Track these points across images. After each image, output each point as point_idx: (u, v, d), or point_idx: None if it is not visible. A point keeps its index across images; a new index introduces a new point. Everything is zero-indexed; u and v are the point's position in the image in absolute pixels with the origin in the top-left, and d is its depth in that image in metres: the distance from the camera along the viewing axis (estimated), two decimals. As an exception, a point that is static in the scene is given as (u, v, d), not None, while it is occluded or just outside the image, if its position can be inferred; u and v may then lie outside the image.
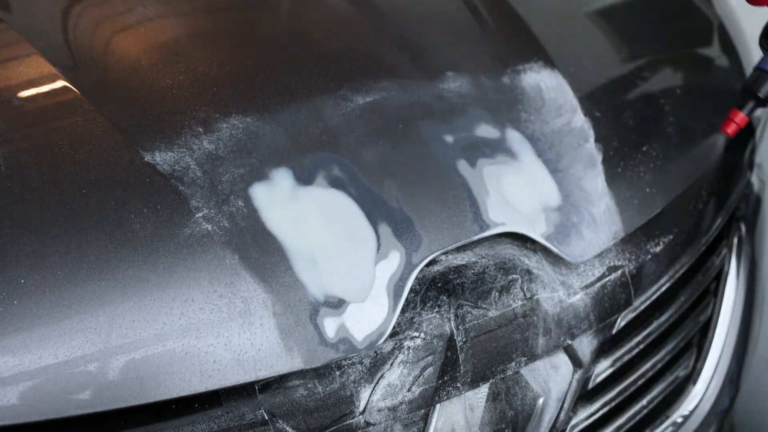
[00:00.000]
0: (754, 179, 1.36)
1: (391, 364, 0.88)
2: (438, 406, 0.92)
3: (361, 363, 0.87)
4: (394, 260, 0.87)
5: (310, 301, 0.83)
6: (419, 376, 0.89)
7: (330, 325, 0.84)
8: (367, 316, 0.85)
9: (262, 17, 1.15)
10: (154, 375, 0.79)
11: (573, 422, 1.04)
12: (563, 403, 1.01)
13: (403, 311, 0.88)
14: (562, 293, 0.97)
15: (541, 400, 0.99)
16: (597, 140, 1.01)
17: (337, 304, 0.84)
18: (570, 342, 0.98)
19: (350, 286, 0.85)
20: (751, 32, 1.43)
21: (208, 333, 0.81)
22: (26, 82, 0.99)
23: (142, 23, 1.09)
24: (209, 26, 1.11)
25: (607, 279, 1.00)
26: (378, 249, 0.87)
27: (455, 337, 0.90)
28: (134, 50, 1.03)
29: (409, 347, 0.88)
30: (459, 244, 0.91)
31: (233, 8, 1.15)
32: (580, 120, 1.02)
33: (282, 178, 0.88)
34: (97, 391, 0.78)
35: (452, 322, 0.90)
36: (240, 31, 1.10)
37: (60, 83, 0.96)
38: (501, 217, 0.93)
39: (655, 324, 1.11)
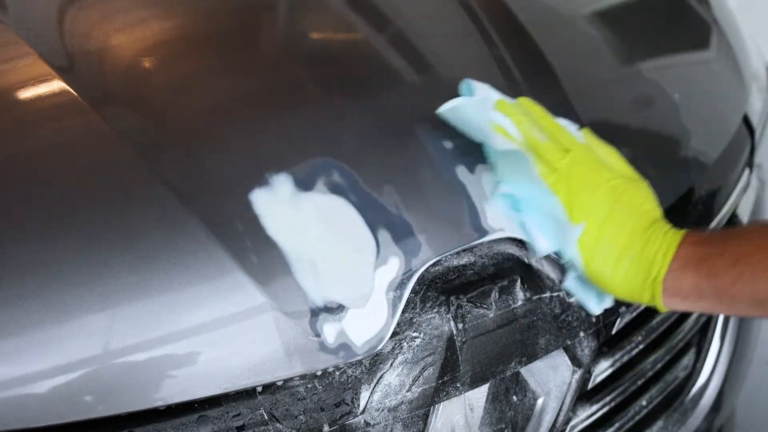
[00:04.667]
0: (754, 179, 1.35)
1: (391, 365, 0.88)
2: (438, 406, 0.92)
3: (360, 363, 0.87)
4: (393, 266, 0.87)
5: (310, 306, 0.83)
6: (419, 376, 0.89)
7: (329, 331, 0.84)
8: (367, 322, 0.85)
9: (262, 20, 1.15)
10: (154, 380, 0.79)
11: (573, 422, 1.04)
12: (563, 403, 1.00)
13: (403, 311, 0.88)
14: (562, 293, 0.97)
15: (541, 400, 0.99)
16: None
17: (336, 310, 0.84)
18: (570, 342, 0.98)
19: (350, 292, 0.85)
20: (749, 35, 1.43)
21: (208, 338, 0.81)
22: (23, 82, 0.98)
23: (140, 24, 1.09)
24: (209, 29, 1.10)
25: (607, 279, 1.00)
26: (377, 255, 0.87)
27: (455, 337, 0.90)
28: (132, 52, 1.03)
29: (409, 347, 0.88)
30: (458, 249, 0.91)
31: (232, 10, 1.15)
32: (578, 123, 1.02)
33: (282, 184, 0.88)
34: (97, 396, 0.78)
35: (452, 322, 0.90)
36: (240, 34, 1.10)
37: (57, 84, 0.96)
38: (499, 222, 0.93)
39: (655, 324, 1.10)
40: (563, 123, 0.95)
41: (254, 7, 1.17)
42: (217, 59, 1.03)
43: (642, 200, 0.91)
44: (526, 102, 0.95)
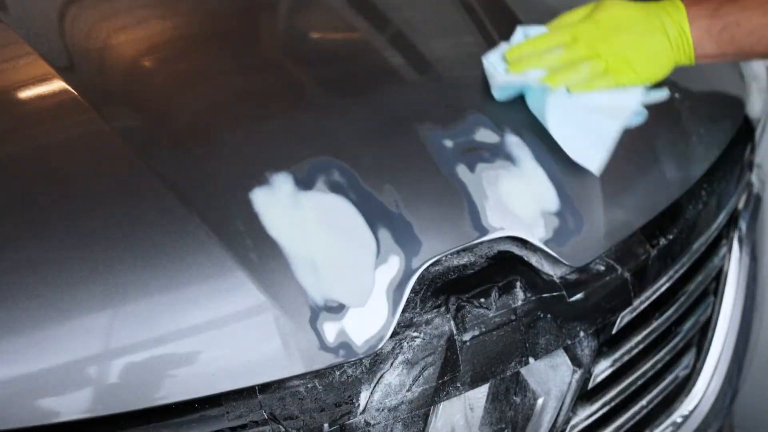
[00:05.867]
0: (754, 179, 1.36)
1: (391, 364, 0.88)
2: (438, 406, 0.92)
3: (361, 363, 0.87)
4: (393, 265, 0.87)
5: (310, 305, 0.84)
6: (419, 376, 0.89)
7: (330, 330, 0.84)
8: (367, 321, 0.85)
9: (262, 20, 1.16)
10: (155, 379, 0.80)
11: (573, 422, 1.04)
12: (563, 403, 1.01)
13: (403, 311, 0.88)
14: (562, 293, 0.97)
15: (541, 400, 0.99)
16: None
17: (336, 309, 0.84)
18: (570, 342, 0.98)
19: (350, 291, 0.85)
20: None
21: (208, 337, 0.81)
22: (24, 82, 0.99)
23: (140, 24, 1.09)
24: (209, 29, 1.11)
25: (606, 279, 1.00)
26: (378, 254, 0.87)
27: (455, 337, 0.90)
28: (132, 51, 1.04)
29: (409, 347, 0.88)
30: (458, 248, 0.91)
31: (233, 11, 1.15)
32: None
33: (282, 183, 0.88)
34: (97, 395, 0.78)
35: (452, 322, 0.90)
36: (239, 34, 1.10)
37: (57, 84, 0.96)
38: (500, 222, 0.93)
39: (655, 324, 1.11)
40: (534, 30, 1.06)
41: (254, 6, 1.18)
42: (217, 59, 1.03)
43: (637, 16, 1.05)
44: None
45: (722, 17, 1.04)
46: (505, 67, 1.04)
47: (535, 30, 1.07)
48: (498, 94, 1.04)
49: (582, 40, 1.04)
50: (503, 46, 1.06)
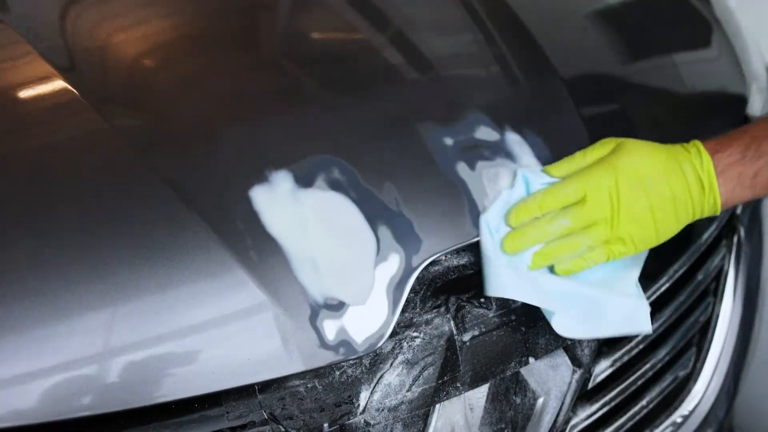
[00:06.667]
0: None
1: (391, 364, 0.88)
2: (438, 406, 0.92)
3: (361, 363, 0.87)
4: (393, 263, 0.87)
5: (310, 303, 0.84)
6: (419, 376, 0.89)
7: (330, 328, 0.84)
8: (367, 319, 0.85)
9: (262, 19, 1.16)
10: (154, 377, 0.79)
11: (573, 422, 1.04)
12: (563, 403, 1.01)
13: (402, 311, 0.88)
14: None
15: (540, 400, 0.99)
16: (595, 142, 1.01)
17: (336, 307, 0.84)
18: (570, 342, 0.98)
19: (350, 289, 0.85)
20: (750, 35, 1.43)
21: (208, 335, 0.81)
22: (24, 82, 0.99)
23: (141, 24, 1.09)
24: (209, 28, 1.10)
25: (606, 279, 1.00)
26: (378, 252, 0.87)
27: (455, 337, 0.90)
28: (133, 50, 1.03)
29: (409, 347, 0.88)
30: (458, 246, 0.91)
31: (233, 10, 1.15)
32: (578, 123, 1.02)
33: (282, 181, 0.88)
34: (97, 393, 0.78)
35: (452, 322, 0.90)
36: (240, 33, 1.10)
37: (58, 83, 0.96)
38: (500, 219, 0.93)
39: (654, 324, 1.11)
40: (539, 181, 0.94)
41: (254, 6, 1.18)
42: (217, 58, 1.03)
43: (650, 168, 0.94)
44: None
45: (753, 162, 0.95)
46: (501, 236, 0.91)
47: (538, 179, 0.94)
48: (491, 288, 0.91)
49: (591, 200, 0.91)
50: (505, 196, 0.93)
